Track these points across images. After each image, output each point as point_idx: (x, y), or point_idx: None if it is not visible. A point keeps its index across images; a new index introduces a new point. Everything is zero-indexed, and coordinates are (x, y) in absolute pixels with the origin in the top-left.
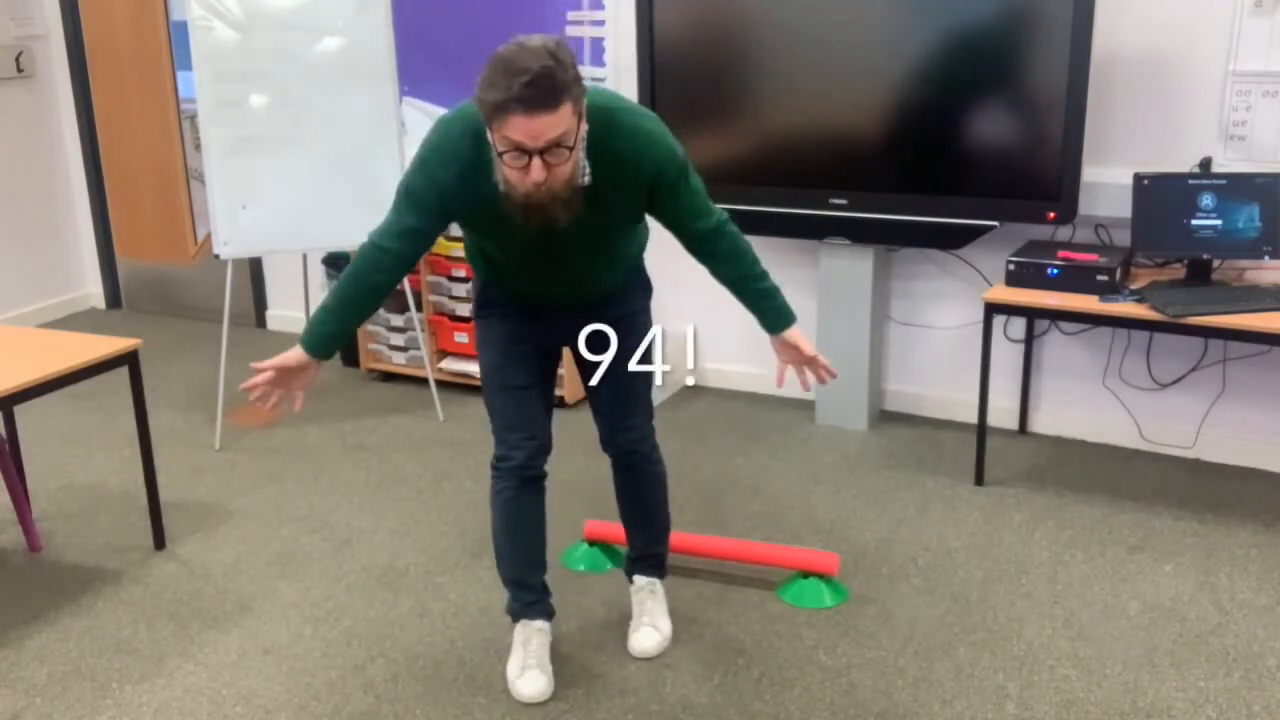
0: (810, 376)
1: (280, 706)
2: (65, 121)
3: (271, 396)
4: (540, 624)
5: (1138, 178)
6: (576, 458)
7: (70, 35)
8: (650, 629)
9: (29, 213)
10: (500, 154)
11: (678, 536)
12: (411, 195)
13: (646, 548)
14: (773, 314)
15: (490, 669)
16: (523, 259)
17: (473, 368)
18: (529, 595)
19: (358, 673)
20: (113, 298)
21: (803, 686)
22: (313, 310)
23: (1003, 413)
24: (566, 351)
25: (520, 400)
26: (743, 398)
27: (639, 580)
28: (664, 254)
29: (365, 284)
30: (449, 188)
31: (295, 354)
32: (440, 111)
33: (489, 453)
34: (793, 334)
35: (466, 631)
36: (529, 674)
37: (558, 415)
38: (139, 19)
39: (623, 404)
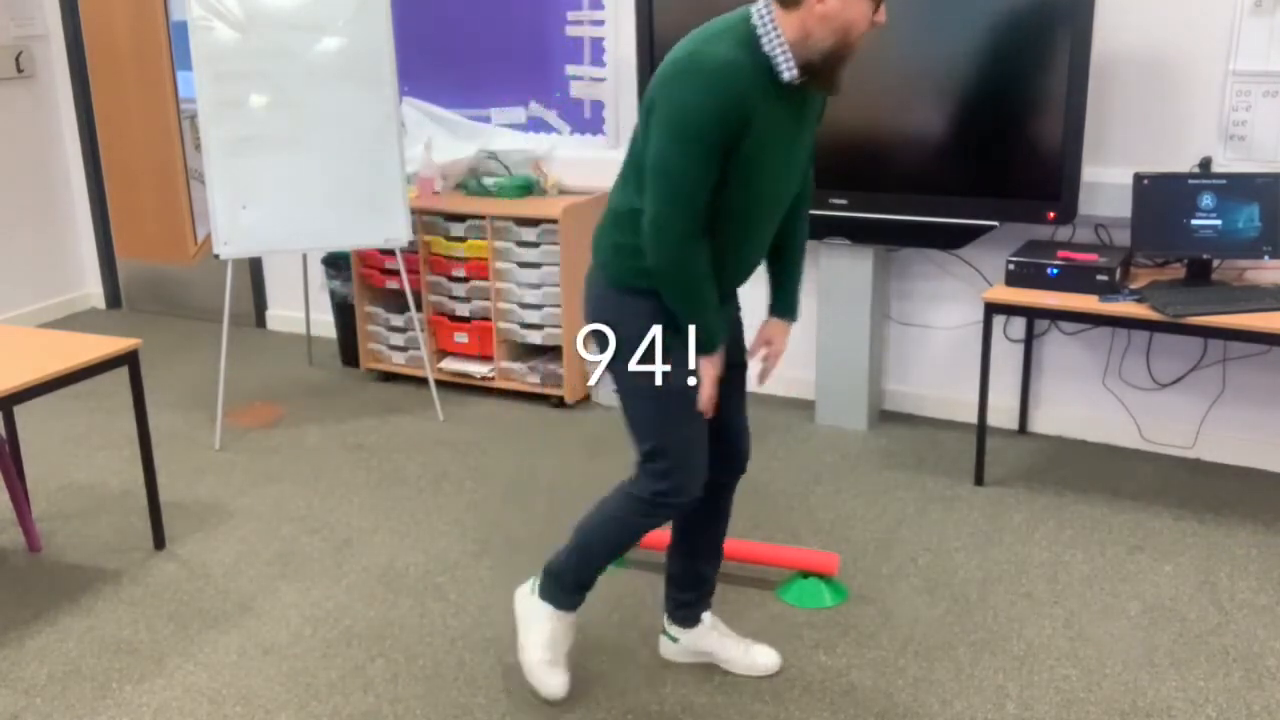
0: (756, 370)
1: (280, 706)
2: (65, 121)
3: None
4: (573, 617)
5: (1138, 178)
6: (577, 458)
7: (70, 35)
8: (762, 645)
9: (29, 213)
10: (876, 6)
11: None
12: (705, 143)
13: (715, 576)
14: (794, 297)
15: (490, 669)
16: (764, 191)
17: (472, 368)
18: (581, 595)
19: (358, 673)
20: (113, 298)
21: (803, 686)
22: (320, 315)
23: (1003, 413)
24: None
25: (704, 429)
26: None
27: (709, 618)
28: None
29: (707, 267)
30: (744, 109)
31: (716, 358)
32: (440, 111)
33: (489, 452)
34: (788, 328)
35: (466, 631)
36: (558, 672)
37: (557, 415)
38: (139, 19)
39: (744, 406)
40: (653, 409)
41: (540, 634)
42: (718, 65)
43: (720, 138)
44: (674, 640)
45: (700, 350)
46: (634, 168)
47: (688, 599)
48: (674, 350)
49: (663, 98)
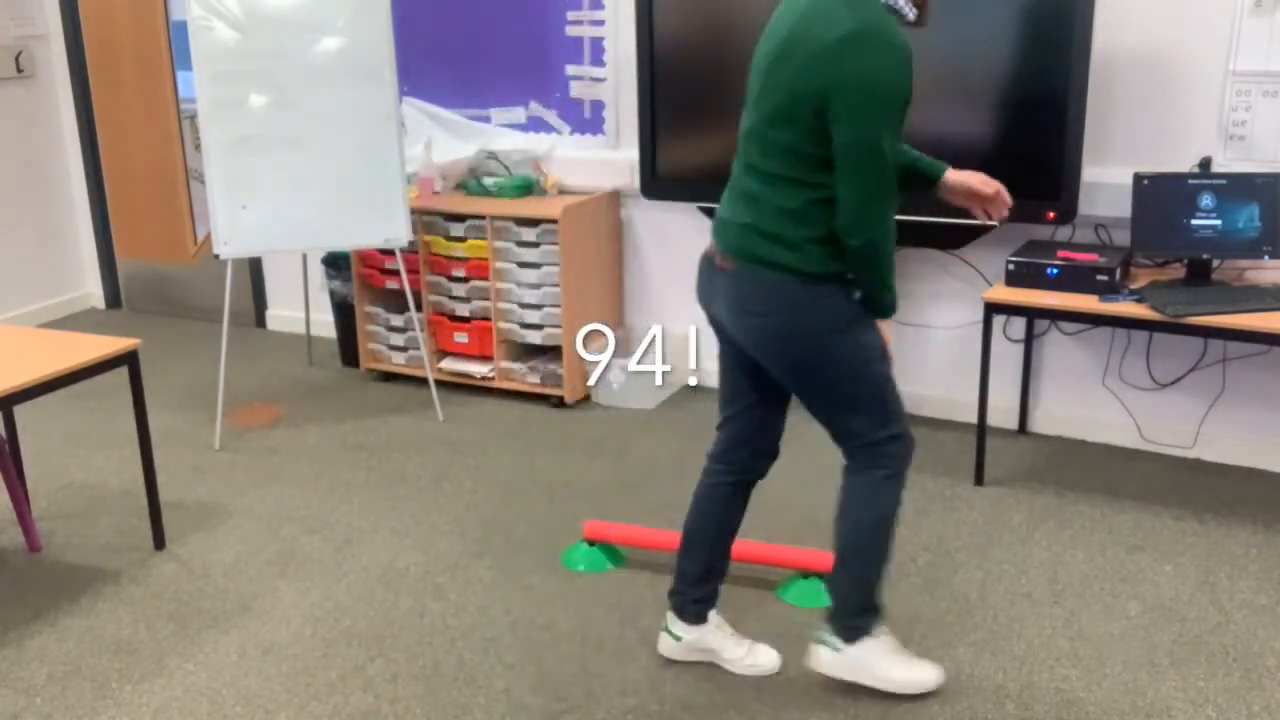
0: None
1: (280, 706)
2: (65, 121)
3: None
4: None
5: (1138, 178)
6: (576, 458)
7: (70, 35)
8: (763, 645)
9: (29, 213)
10: None
11: (678, 537)
12: (900, 108)
13: (727, 571)
14: (925, 161)
15: (490, 669)
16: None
17: (472, 368)
18: (882, 606)
19: (358, 673)
20: (113, 298)
21: (803, 686)
22: (314, 313)
23: (1003, 413)
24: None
25: None
26: None
27: (715, 616)
28: (664, 251)
29: None
30: (913, 62)
31: (889, 324)
32: (440, 111)
33: (488, 452)
34: (957, 174)
35: (466, 631)
36: (918, 665)
37: (557, 415)
38: (139, 19)
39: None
40: (873, 380)
41: (886, 663)
42: (888, 29)
43: (909, 96)
44: (677, 638)
45: (888, 314)
46: (787, 160)
47: (703, 594)
48: (868, 319)
49: (848, 80)
